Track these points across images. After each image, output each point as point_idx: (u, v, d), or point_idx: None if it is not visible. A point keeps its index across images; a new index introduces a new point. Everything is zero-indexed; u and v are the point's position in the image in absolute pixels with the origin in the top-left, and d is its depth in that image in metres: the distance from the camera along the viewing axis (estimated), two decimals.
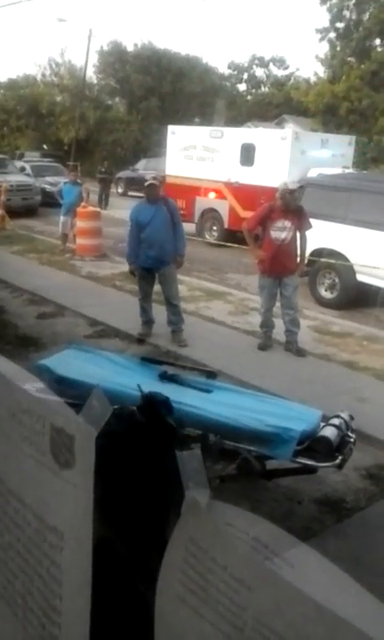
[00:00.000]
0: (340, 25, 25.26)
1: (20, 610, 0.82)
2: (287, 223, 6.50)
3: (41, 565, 0.78)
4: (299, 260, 6.75)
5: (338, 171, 11.83)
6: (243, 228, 7.09)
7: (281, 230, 6.50)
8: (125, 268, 10.51)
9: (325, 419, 3.73)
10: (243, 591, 0.62)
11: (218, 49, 70.02)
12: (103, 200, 19.61)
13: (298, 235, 6.61)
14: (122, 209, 18.36)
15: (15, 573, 0.83)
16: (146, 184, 6.82)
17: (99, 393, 0.73)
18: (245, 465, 3.61)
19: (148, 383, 3.92)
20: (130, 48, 37.65)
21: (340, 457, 3.51)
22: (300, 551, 0.60)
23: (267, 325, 6.80)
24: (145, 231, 6.55)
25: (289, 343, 6.67)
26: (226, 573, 0.65)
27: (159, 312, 6.97)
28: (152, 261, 6.65)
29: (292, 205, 6.54)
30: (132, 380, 3.89)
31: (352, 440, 3.66)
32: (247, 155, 13.50)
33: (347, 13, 24.97)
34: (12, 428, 0.82)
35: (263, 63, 42.75)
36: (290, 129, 18.51)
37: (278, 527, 0.63)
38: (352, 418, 3.78)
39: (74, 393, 3.86)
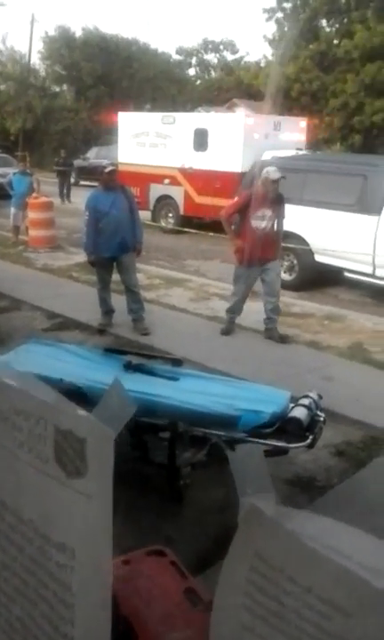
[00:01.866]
0: (287, 5, 25.24)
1: (19, 637, 0.73)
2: (267, 212, 6.38)
3: (46, 588, 0.68)
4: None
5: (291, 153, 11.84)
6: (220, 217, 6.79)
7: (261, 219, 6.37)
8: (80, 258, 10.36)
9: (294, 399, 3.72)
10: (338, 617, 0.52)
11: (167, 34, 69.14)
12: (64, 194, 18.85)
13: (276, 222, 6.53)
14: (75, 198, 18.08)
15: (12, 597, 0.73)
16: (106, 170, 6.65)
17: (118, 386, 0.64)
18: (216, 450, 3.58)
19: (113, 374, 3.86)
20: (78, 33, 36.88)
21: (310, 437, 3.50)
22: None
23: (234, 311, 6.71)
24: (105, 219, 6.40)
25: (270, 330, 6.58)
26: (311, 596, 0.54)
27: (118, 301, 6.86)
28: (114, 250, 6.52)
29: (273, 195, 6.41)
30: (97, 373, 3.82)
31: (322, 419, 3.66)
32: (200, 140, 13.39)
33: None
34: (5, 433, 0.71)
35: (215, 47, 42.53)
36: (241, 113, 18.46)
37: (374, 537, 0.53)
38: (320, 397, 3.78)
39: None
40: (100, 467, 0.59)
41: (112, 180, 6.61)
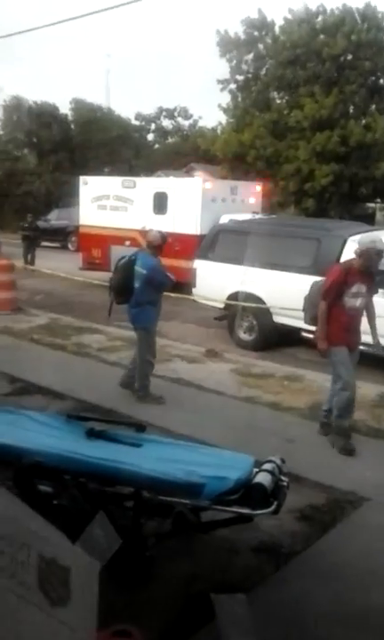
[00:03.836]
0: (239, 77, 26.60)
1: None
2: (362, 288, 5.42)
3: None
4: (371, 328, 5.70)
5: (248, 216, 12.22)
6: (321, 303, 5.42)
7: (356, 297, 5.41)
8: (42, 321, 10.37)
9: (258, 464, 3.73)
10: None
11: (125, 100, 71.65)
12: (28, 260, 18.16)
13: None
14: (37, 260, 18.10)
15: None
16: (163, 239, 6.79)
17: (103, 519, 0.64)
18: (180, 519, 3.54)
19: (76, 441, 3.82)
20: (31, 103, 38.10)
21: (275, 502, 3.49)
22: None
23: (352, 411, 5.57)
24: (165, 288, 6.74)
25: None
26: None
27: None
28: None
29: (375, 269, 5.49)
30: (59, 440, 3.79)
31: (285, 484, 3.67)
32: (160, 203, 13.79)
33: (245, 67, 26.34)
34: None
35: (170, 114, 44.37)
36: (199, 178, 19.06)
37: None
38: (283, 461, 3.80)
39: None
40: (83, 597, 0.59)
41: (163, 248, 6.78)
